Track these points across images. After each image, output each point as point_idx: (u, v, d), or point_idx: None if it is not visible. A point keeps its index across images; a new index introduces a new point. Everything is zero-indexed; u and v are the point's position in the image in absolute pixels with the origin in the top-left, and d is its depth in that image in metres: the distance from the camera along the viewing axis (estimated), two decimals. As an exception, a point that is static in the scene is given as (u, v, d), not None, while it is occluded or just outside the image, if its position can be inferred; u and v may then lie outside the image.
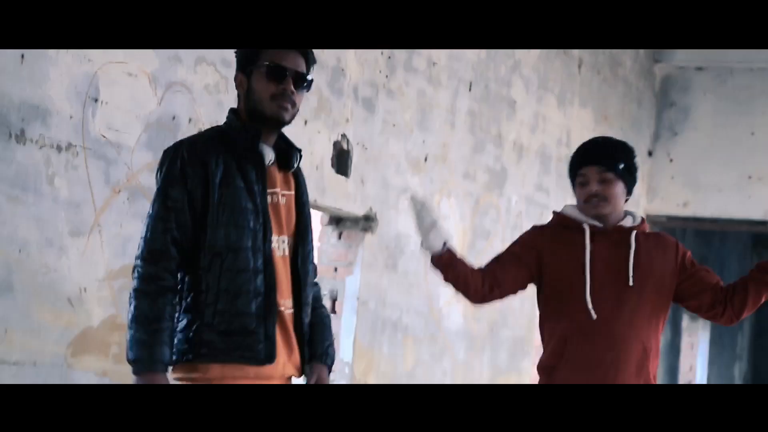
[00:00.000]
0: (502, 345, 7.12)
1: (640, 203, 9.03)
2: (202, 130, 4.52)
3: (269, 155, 2.94)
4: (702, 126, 9.03)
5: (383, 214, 5.83)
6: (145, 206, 4.25)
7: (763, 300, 3.53)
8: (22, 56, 3.78)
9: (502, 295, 3.58)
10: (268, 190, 2.93)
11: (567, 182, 3.80)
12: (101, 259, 4.13)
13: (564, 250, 3.55)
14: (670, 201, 9.12)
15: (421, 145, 6.14)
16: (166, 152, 2.99)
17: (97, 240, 4.10)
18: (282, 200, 2.98)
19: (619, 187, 3.55)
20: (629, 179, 3.59)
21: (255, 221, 2.87)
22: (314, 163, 5.30)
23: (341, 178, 5.51)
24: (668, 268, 3.54)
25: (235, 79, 3.02)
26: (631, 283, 3.48)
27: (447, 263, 3.47)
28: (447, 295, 6.44)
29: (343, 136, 5.50)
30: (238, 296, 2.85)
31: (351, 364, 5.70)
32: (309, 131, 5.24)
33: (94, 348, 4.10)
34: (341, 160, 5.50)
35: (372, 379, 5.85)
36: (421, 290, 6.21)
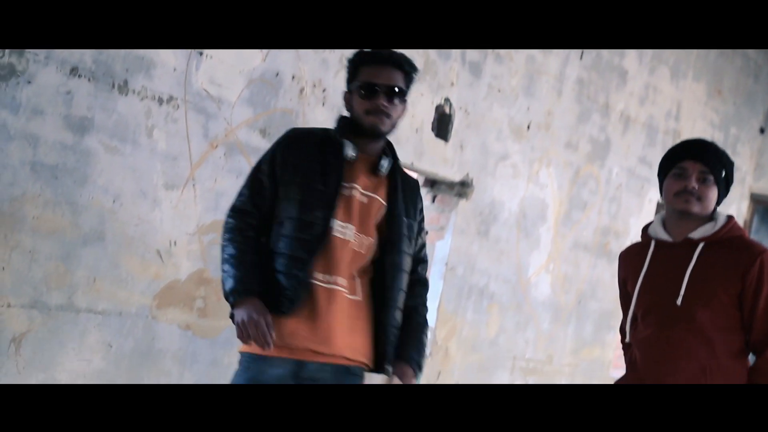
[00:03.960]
0: (589, 317, 7.03)
1: (746, 181, 8.78)
2: (305, 87, 4.52)
3: (349, 152, 3.18)
4: (820, 106, 8.70)
5: (480, 180, 5.75)
6: (241, 162, 4.27)
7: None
8: (131, 7, 3.77)
9: None
10: (345, 183, 3.17)
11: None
12: (193, 213, 4.14)
13: (634, 269, 3.47)
14: (778, 182, 8.84)
15: (525, 112, 6.02)
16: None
17: (191, 194, 4.11)
18: (360, 198, 3.20)
19: (714, 193, 3.36)
20: (723, 191, 3.39)
21: (320, 201, 3.13)
22: (414, 125, 5.23)
23: (440, 142, 5.43)
24: (729, 286, 3.29)
25: (344, 98, 3.29)
26: (679, 303, 3.31)
27: None
28: (536, 265, 6.36)
29: (446, 99, 5.41)
30: (280, 256, 3.13)
31: (434, 330, 5.68)
32: (412, 94, 5.15)
33: (179, 301, 4.13)
34: (442, 124, 5.42)
35: (453, 345, 5.82)
36: (511, 259, 6.13)
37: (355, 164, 3.20)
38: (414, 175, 5.69)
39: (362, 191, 3.20)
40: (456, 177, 5.60)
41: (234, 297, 3.09)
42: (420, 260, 3.35)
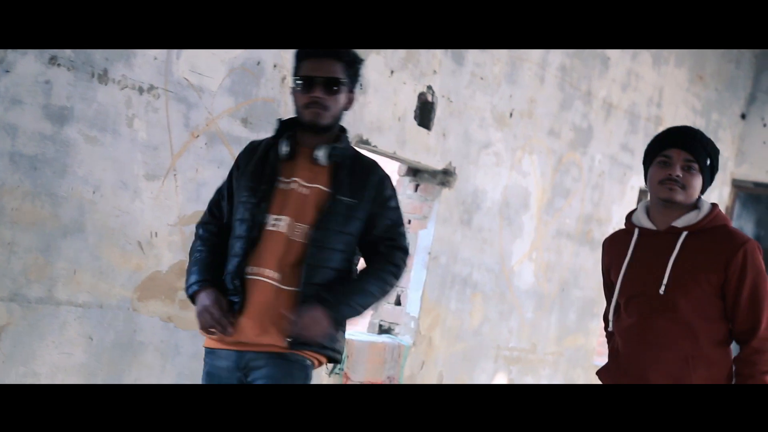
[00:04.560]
0: (572, 305, 7.02)
1: (727, 166, 8.79)
2: (287, 76, 4.47)
3: (282, 148, 3.27)
4: (802, 92, 8.71)
5: (462, 168, 5.72)
6: (223, 152, 4.22)
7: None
8: (110, -5, 3.71)
9: None
10: (284, 179, 3.25)
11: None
12: (174, 204, 4.09)
13: (617, 257, 3.44)
14: (760, 167, 8.83)
15: (508, 100, 5.99)
16: None
17: (172, 184, 4.07)
18: (301, 189, 3.25)
19: (698, 182, 3.33)
20: (708, 179, 3.37)
21: (256, 198, 3.23)
22: (397, 114, 5.19)
23: (423, 130, 5.40)
24: (712, 276, 3.27)
25: (291, 94, 3.36)
26: (662, 291, 3.30)
27: None
28: (520, 253, 6.34)
29: (429, 87, 5.37)
30: (231, 258, 3.25)
31: (417, 319, 5.65)
32: (394, 82, 5.13)
33: (160, 293, 4.09)
34: (424, 113, 5.39)
35: (437, 335, 5.79)
36: (494, 247, 6.11)
37: (298, 159, 3.27)
38: (396, 165, 5.66)
39: (303, 183, 3.26)
40: (439, 166, 5.57)
41: (190, 290, 3.25)
42: (384, 239, 3.32)
